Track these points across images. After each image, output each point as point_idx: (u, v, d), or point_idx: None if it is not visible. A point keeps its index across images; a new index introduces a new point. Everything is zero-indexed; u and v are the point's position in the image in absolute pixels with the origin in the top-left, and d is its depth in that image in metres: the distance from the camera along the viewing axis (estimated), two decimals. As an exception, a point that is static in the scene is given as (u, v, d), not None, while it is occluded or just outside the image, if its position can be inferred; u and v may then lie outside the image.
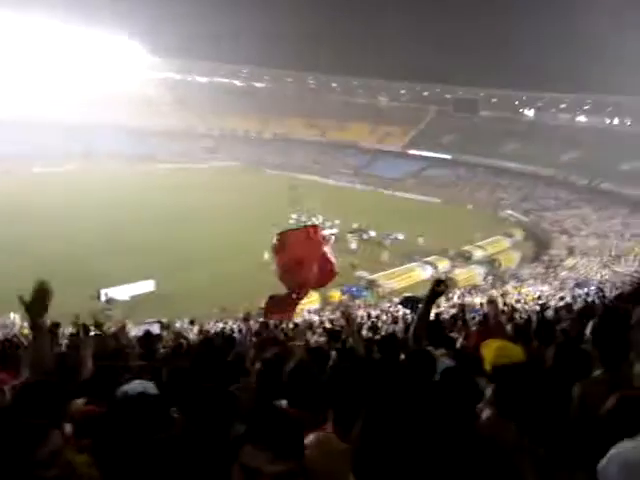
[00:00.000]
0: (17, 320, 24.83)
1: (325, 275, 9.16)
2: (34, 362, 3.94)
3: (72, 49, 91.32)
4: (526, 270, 41.18)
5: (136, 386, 3.62)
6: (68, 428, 3.29)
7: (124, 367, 6.74)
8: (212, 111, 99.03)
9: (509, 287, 34.14)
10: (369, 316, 24.58)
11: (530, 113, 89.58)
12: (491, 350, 3.89)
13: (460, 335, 7.75)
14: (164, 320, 23.42)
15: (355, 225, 46.34)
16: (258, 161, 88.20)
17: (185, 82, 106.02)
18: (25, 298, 3.71)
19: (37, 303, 3.71)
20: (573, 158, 72.95)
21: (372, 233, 45.58)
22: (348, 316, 6.34)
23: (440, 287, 4.76)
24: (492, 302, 8.24)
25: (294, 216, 47.89)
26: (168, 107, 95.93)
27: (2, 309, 24.13)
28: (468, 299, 30.07)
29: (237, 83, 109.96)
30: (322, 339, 13.68)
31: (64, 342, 9.94)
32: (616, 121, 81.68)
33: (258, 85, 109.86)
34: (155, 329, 18.83)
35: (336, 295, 33.15)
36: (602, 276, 36.44)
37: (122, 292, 30.07)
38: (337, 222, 47.42)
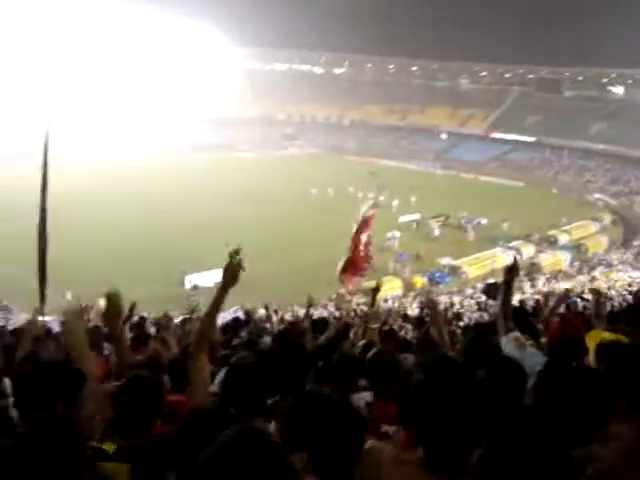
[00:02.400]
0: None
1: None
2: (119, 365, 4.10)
3: (150, 36, 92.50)
4: (615, 255, 40.00)
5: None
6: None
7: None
8: (291, 98, 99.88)
9: (597, 273, 33.32)
10: (452, 304, 24.59)
11: (619, 91, 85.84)
12: (598, 341, 3.67)
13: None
14: (248, 307, 23.94)
15: (438, 212, 45.91)
16: (338, 147, 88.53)
17: (264, 70, 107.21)
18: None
19: (112, 310, 3.94)
20: (666, 137, 69.78)
21: (457, 218, 45.22)
22: (433, 305, 6.12)
23: (512, 273, 4.65)
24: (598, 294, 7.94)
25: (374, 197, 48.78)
26: (248, 95, 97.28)
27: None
28: (554, 285, 29.60)
29: (316, 70, 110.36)
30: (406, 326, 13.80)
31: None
32: None
33: (337, 71, 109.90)
34: (240, 316, 19.37)
35: (419, 281, 33.19)
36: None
37: (207, 278, 30.52)
38: (418, 206, 47.32)
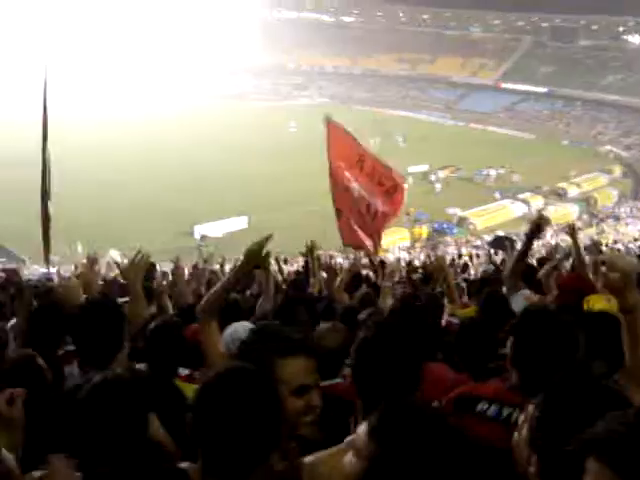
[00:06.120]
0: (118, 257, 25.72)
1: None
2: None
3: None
4: (624, 208, 39.81)
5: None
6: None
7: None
8: (301, 47, 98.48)
9: (605, 226, 33.24)
10: (460, 255, 24.63)
11: (635, 40, 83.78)
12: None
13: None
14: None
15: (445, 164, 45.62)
16: (348, 97, 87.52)
17: (273, 18, 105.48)
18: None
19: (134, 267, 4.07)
20: (681, 89, 68.50)
21: (465, 170, 45.01)
22: (441, 263, 6.11)
23: (542, 221, 4.47)
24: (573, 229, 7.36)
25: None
26: (257, 44, 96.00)
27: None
28: (562, 238, 29.54)
29: (325, 18, 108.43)
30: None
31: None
32: None
33: (347, 20, 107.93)
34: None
35: (424, 231, 33.27)
36: None
37: (215, 229, 30.99)
38: (427, 157, 47.01)
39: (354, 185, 8.66)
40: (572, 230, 6.72)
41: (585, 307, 3.80)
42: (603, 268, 2.24)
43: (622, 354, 2.59)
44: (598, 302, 3.76)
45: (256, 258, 3.26)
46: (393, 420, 1.54)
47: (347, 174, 8.80)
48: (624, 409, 1.43)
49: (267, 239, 3.23)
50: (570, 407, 1.67)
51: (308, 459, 2.00)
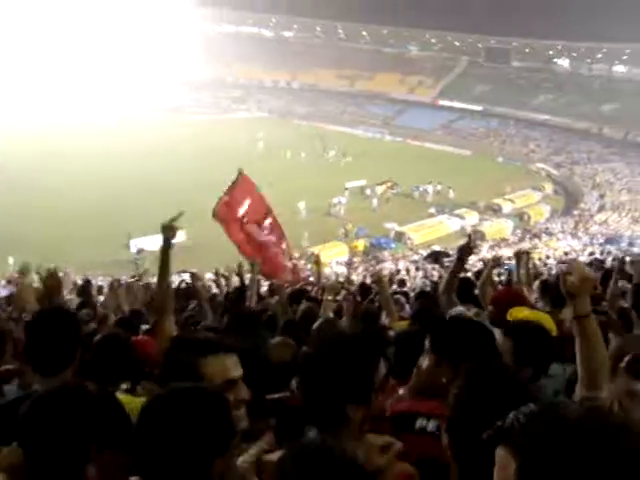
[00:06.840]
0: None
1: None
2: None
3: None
4: (556, 224, 40.99)
5: None
6: None
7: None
8: (240, 61, 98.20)
9: (538, 241, 34.10)
10: (398, 271, 24.80)
11: (565, 63, 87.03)
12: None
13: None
14: (194, 271, 23.64)
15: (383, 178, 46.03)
16: (286, 111, 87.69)
17: (213, 31, 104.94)
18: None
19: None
20: (609, 110, 71.24)
21: (402, 185, 45.43)
22: (380, 280, 5.99)
23: (471, 242, 4.62)
24: (521, 254, 7.95)
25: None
26: (197, 57, 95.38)
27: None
28: (496, 252, 30.10)
29: (266, 32, 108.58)
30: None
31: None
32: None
33: (287, 34, 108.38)
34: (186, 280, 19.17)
35: (361, 245, 33.44)
36: (633, 232, 36.20)
37: (152, 242, 30.30)
38: (365, 173, 47.36)
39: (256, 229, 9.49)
40: (518, 255, 7.81)
41: (508, 317, 3.84)
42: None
43: (547, 361, 2.99)
44: (520, 313, 3.86)
45: (170, 230, 3.73)
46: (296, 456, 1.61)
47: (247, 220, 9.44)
48: (529, 398, 1.59)
49: (179, 215, 3.81)
50: (479, 394, 1.81)
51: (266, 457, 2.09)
